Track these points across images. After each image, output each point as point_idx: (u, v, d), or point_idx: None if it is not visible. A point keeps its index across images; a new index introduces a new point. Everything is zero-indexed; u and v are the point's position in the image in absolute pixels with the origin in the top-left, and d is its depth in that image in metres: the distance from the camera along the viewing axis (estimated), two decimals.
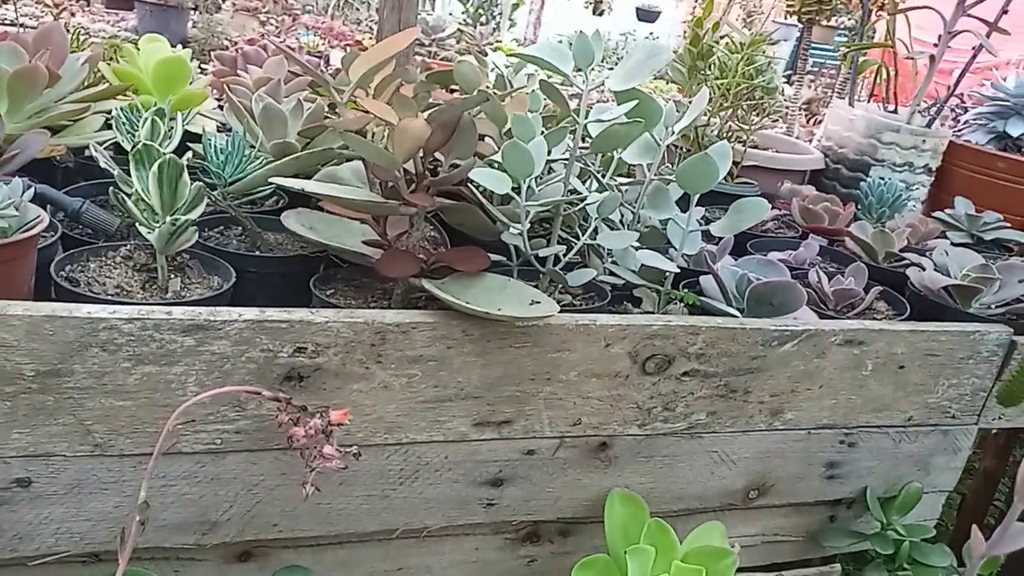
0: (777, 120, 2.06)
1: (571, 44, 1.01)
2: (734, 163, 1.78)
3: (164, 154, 0.90)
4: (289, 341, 0.84)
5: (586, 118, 1.03)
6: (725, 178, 1.75)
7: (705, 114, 1.77)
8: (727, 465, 1.15)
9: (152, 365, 0.81)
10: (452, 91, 1.65)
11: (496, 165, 1.09)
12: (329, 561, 1.02)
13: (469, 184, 1.00)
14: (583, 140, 1.05)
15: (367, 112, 1.12)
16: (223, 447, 0.88)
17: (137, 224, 0.90)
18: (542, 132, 1.06)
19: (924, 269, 1.35)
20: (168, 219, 0.87)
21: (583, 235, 1.08)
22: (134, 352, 0.80)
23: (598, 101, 1.49)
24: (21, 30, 3.66)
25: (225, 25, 5.33)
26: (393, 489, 0.98)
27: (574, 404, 1.01)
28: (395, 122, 0.90)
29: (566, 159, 1.14)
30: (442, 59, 6.43)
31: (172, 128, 1.11)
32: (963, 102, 2.26)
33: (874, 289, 1.26)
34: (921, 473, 1.30)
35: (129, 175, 1.02)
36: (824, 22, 2.98)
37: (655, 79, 7.35)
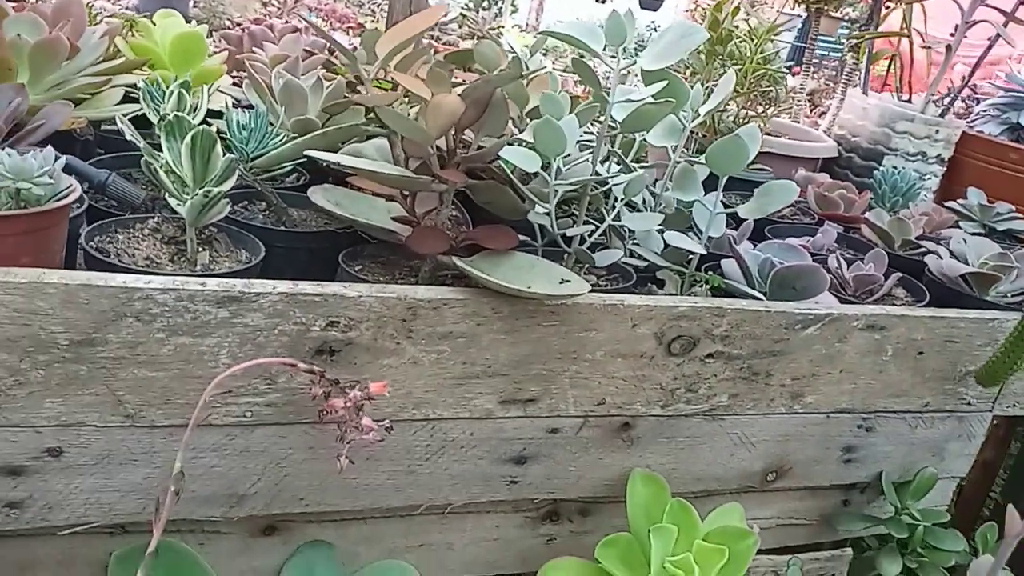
0: (783, 110, 2.05)
1: (602, 25, 1.01)
2: None
3: (196, 126, 0.89)
4: (322, 315, 0.84)
5: (616, 96, 1.02)
6: None
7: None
8: (747, 447, 1.16)
9: (186, 336, 0.81)
10: (469, 70, 1.64)
11: (522, 144, 1.09)
12: (352, 536, 1.03)
13: (498, 162, 0.99)
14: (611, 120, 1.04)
15: (393, 89, 1.11)
16: (253, 420, 0.88)
17: (167, 196, 0.89)
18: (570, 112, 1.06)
19: (942, 257, 1.36)
20: (200, 191, 0.87)
21: (608, 216, 1.08)
22: (168, 323, 0.80)
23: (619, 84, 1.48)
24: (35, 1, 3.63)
25: (227, 5, 5.29)
26: (419, 465, 0.98)
27: (599, 384, 1.01)
28: (428, 97, 0.89)
29: (591, 139, 1.14)
30: (444, 43, 6.39)
31: (198, 102, 1.11)
32: (975, 92, 2.27)
33: (893, 275, 1.26)
34: (936, 459, 1.31)
35: (155, 148, 1.02)
36: (832, 12, 2.98)
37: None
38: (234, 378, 0.84)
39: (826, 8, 2.89)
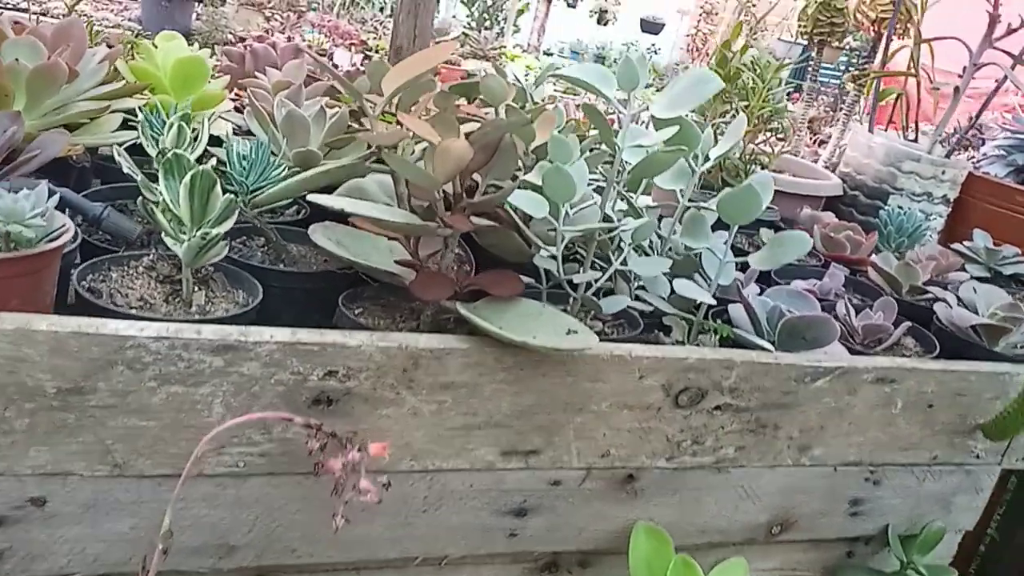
0: (784, 138, 2.04)
1: (613, 65, 0.99)
2: None
3: (195, 164, 0.86)
4: (320, 364, 0.82)
5: (627, 140, 1.00)
6: None
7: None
8: (752, 500, 1.13)
9: (178, 385, 0.78)
10: (475, 102, 1.62)
11: (529, 186, 1.07)
12: None
13: (505, 206, 0.97)
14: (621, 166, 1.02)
15: (399, 123, 1.09)
16: (246, 470, 0.85)
17: (164, 235, 0.86)
18: (579, 156, 1.04)
19: (950, 305, 1.34)
20: (198, 233, 0.84)
21: (614, 260, 1.05)
22: (160, 371, 0.77)
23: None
24: (30, 17, 3.61)
25: (230, 19, 5.29)
26: (416, 516, 0.95)
27: (604, 435, 0.98)
28: (436, 141, 0.87)
29: (601, 181, 1.12)
30: (446, 63, 6.41)
31: (197, 133, 1.08)
32: (981, 133, 2.26)
33: (903, 325, 1.24)
34: (943, 512, 1.28)
35: (152, 180, 0.99)
36: (835, 44, 2.99)
37: (657, 91, 7.33)
38: (227, 428, 0.81)
39: (829, 40, 2.90)
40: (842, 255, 1.56)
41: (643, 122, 1.22)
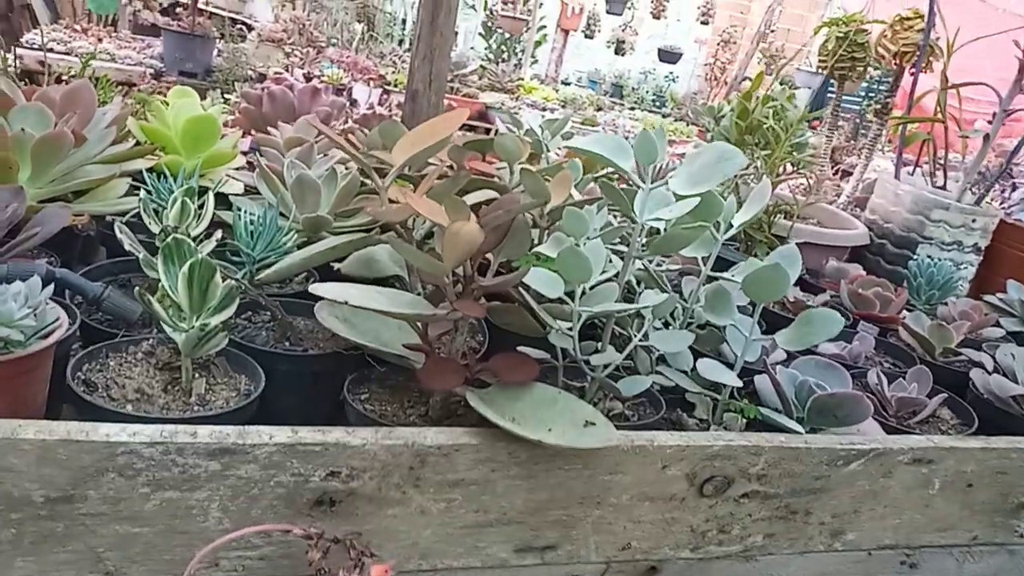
0: (813, 202, 1.98)
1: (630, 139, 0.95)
2: (778, 238, 1.71)
3: (195, 251, 0.83)
4: (322, 465, 0.77)
5: (645, 215, 0.96)
6: (769, 254, 1.68)
7: (747, 183, 1.71)
8: None
9: (173, 491, 0.74)
10: (489, 159, 1.59)
11: (543, 259, 1.02)
12: None
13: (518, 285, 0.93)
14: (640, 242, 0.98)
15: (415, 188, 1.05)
16: (245, 574, 0.80)
17: (163, 324, 0.83)
18: (595, 230, 0.99)
19: (988, 372, 1.28)
20: (197, 324, 0.81)
21: (634, 335, 1.00)
22: (154, 477, 0.73)
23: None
24: (44, 58, 3.66)
25: (250, 55, 5.34)
26: None
27: (624, 528, 0.93)
28: (446, 224, 0.83)
29: (622, 245, 1.07)
30: (464, 95, 6.43)
31: (203, 206, 1.05)
32: (1012, 176, 2.19)
33: (938, 397, 1.18)
34: None
35: (154, 255, 0.96)
36: (856, 80, 2.94)
37: (676, 120, 7.30)
38: (224, 531, 0.77)
39: (850, 75, 2.86)
40: (872, 313, 1.50)
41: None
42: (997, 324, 1.61)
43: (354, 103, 5.14)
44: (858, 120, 6.91)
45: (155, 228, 0.99)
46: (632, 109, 7.33)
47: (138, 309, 0.98)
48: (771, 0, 7.72)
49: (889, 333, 1.49)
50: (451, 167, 1.46)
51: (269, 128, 1.71)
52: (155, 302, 0.81)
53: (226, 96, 3.94)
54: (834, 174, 4.53)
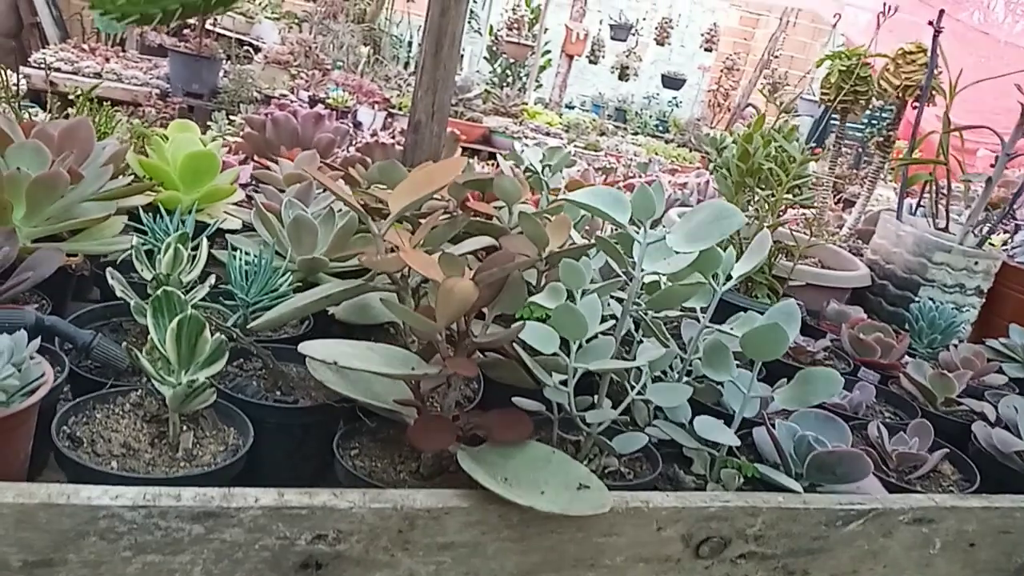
0: (814, 244, 1.95)
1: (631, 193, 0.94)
2: (779, 279, 1.70)
3: (185, 302, 0.82)
4: (308, 528, 0.75)
5: (643, 271, 0.95)
6: (769, 297, 1.67)
7: (749, 224, 1.70)
8: None
9: (155, 554, 0.72)
10: (488, 199, 1.59)
11: (539, 310, 1.01)
12: None
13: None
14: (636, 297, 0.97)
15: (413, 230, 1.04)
16: None
17: (151, 379, 0.82)
18: (592, 281, 0.98)
19: (990, 424, 1.26)
20: (184, 380, 0.79)
21: (630, 388, 0.99)
22: (136, 541, 0.71)
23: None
24: (47, 77, 3.67)
25: (256, 77, 5.37)
26: None
27: None
28: (439, 279, 0.82)
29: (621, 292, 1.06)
30: (468, 119, 6.45)
31: (197, 251, 1.04)
32: (1015, 218, 2.18)
33: (939, 452, 1.16)
34: None
35: (147, 300, 0.95)
36: (859, 112, 2.95)
37: (678, 146, 7.32)
38: None
39: (853, 108, 2.86)
40: (873, 360, 1.49)
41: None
42: (1000, 371, 1.59)
43: (359, 126, 5.16)
44: (860, 149, 6.93)
45: (147, 275, 0.98)
46: (635, 134, 7.35)
47: (127, 357, 0.96)
48: (774, 28, 7.78)
49: (890, 380, 1.47)
50: (451, 210, 1.45)
51: (269, 164, 1.71)
52: (142, 357, 0.79)
53: (231, 117, 3.96)
54: (836, 203, 4.53)
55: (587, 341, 0.98)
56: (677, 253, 0.91)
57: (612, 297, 1.10)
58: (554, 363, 0.96)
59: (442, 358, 0.84)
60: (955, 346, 1.62)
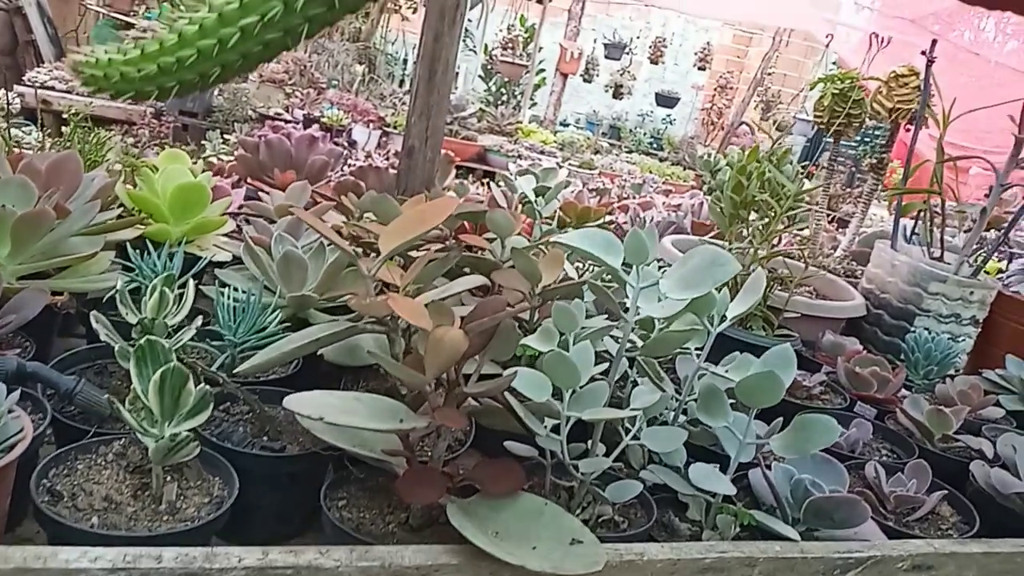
0: (810, 276, 1.94)
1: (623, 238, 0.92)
2: (773, 309, 1.68)
3: (169, 352, 0.80)
4: None
5: (636, 314, 0.93)
6: (764, 329, 1.66)
7: (743, 253, 1.69)
8: None
9: None
10: (481, 232, 1.57)
11: (531, 352, 1.00)
12: None
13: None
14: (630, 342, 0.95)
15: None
16: None
17: (134, 431, 0.80)
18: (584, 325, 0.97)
19: (988, 462, 1.24)
20: (167, 434, 0.77)
21: (626, 426, 0.97)
22: None
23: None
24: (36, 95, 3.66)
25: (251, 95, 5.37)
26: None
27: None
28: (428, 328, 0.80)
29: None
30: (463, 138, 6.45)
31: (183, 295, 1.03)
32: (1009, 247, 2.18)
33: (937, 493, 1.14)
34: None
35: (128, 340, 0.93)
36: (852, 135, 2.96)
37: (672, 164, 7.33)
38: None
39: (847, 131, 2.87)
40: (869, 395, 1.47)
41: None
42: (997, 403, 1.58)
43: (353, 144, 5.15)
44: (853, 167, 6.96)
45: (132, 319, 0.96)
46: (629, 152, 7.37)
47: (111, 402, 0.94)
48: (767, 47, 7.83)
49: (887, 416, 1.45)
50: (444, 240, 1.44)
51: (262, 187, 1.69)
52: (124, 410, 0.78)
53: (226, 136, 3.95)
54: (830, 222, 4.54)
55: (580, 387, 0.96)
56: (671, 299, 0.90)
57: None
58: (547, 409, 0.95)
59: (431, 409, 0.82)
60: (951, 378, 1.61)
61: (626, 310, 0.95)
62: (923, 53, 1.96)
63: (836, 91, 2.83)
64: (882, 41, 2.47)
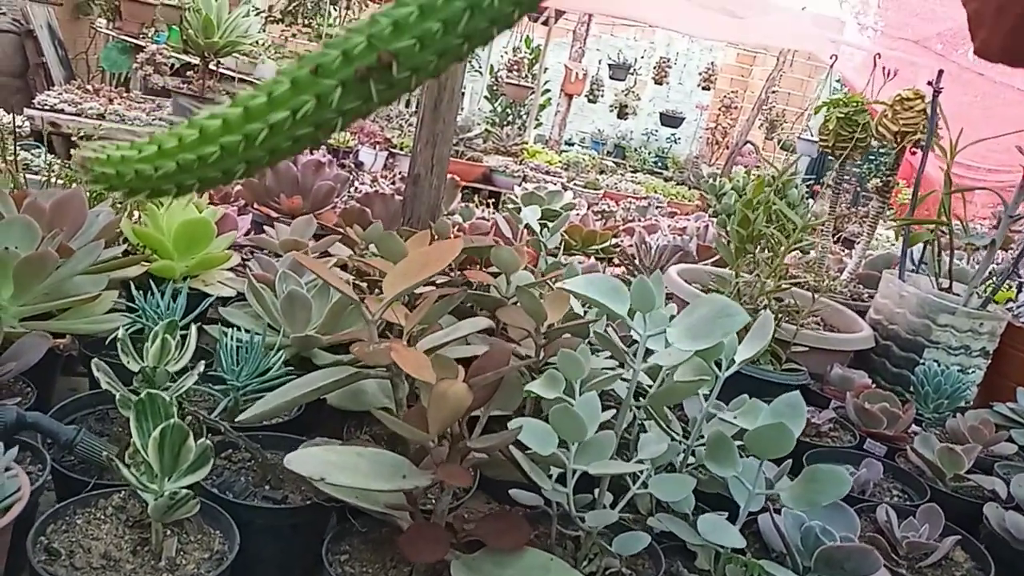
0: (818, 310, 1.91)
1: (629, 284, 0.91)
2: (781, 343, 1.67)
3: (170, 407, 0.79)
4: None
5: (644, 362, 0.92)
6: (772, 363, 1.64)
7: (750, 286, 1.68)
8: None
9: None
10: (485, 267, 1.57)
11: (535, 399, 0.98)
12: None
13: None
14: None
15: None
16: None
17: (134, 487, 0.79)
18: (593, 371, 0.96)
19: (1003, 504, 1.22)
20: (167, 490, 0.76)
21: (631, 482, 0.96)
22: None
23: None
24: (59, 116, 3.68)
25: None
26: None
27: None
28: (432, 381, 0.79)
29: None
30: (469, 158, 6.47)
31: (186, 340, 1.02)
32: (1020, 276, 2.16)
33: (950, 539, 1.12)
34: None
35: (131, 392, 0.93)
36: (858, 157, 2.95)
37: (677, 184, 7.33)
38: None
39: (852, 154, 2.87)
40: (879, 432, 1.45)
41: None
42: (1009, 439, 1.56)
43: (360, 165, 5.17)
44: (859, 187, 6.95)
45: (134, 367, 0.95)
46: (634, 172, 7.38)
47: (112, 451, 0.93)
48: (772, 65, 7.84)
49: (897, 453, 1.43)
50: (450, 274, 1.43)
51: (266, 227, 1.69)
52: (123, 466, 0.77)
53: None
54: (836, 242, 4.53)
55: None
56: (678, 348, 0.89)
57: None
58: (553, 460, 0.93)
59: (434, 463, 0.81)
60: (962, 412, 1.59)
61: (633, 357, 0.94)
62: (929, 83, 1.95)
63: (841, 115, 2.84)
64: (887, 72, 2.47)
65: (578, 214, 3.33)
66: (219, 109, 0.34)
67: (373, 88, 0.31)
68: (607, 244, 3.07)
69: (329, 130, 0.33)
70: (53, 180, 1.78)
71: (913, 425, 1.53)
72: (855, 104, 2.80)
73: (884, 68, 2.48)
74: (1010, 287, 2.17)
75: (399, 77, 0.31)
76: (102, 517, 0.84)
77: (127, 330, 1.02)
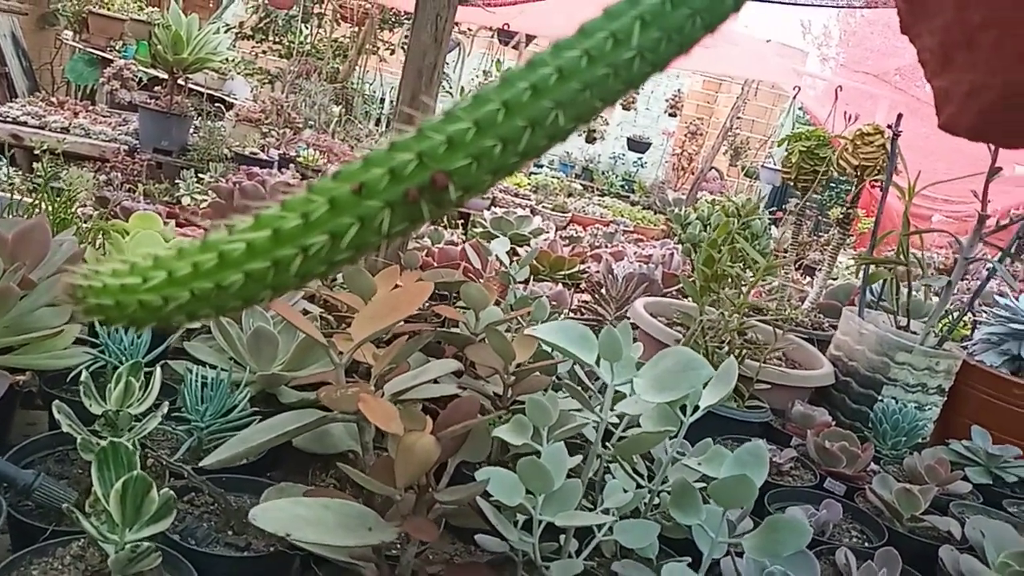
0: (778, 347, 1.95)
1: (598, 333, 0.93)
2: (744, 379, 1.70)
3: (133, 456, 0.78)
4: None
5: (611, 410, 0.93)
6: (735, 400, 1.67)
7: (714, 324, 1.71)
8: None
9: None
10: (454, 303, 1.57)
11: (502, 447, 0.99)
12: None
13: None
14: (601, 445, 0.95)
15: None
16: None
17: (94, 537, 0.77)
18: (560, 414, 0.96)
19: (957, 545, 1.25)
20: (128, 541, 0.75)
21: (596, 530, 0.96)
22: None
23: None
24: (22, 128, 3.61)
25: (227, 134, 5.34)
26: None
27: None
28: (399, 433, 0.80)
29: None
30: None
31: (151, 379, 1.01)
32: (973, 315, 2.23)
33: None
34: None
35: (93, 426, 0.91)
36: (820, 190, 3.03)
37: (643, 208, 7.41)
38: None
39: (813, 186, 2.94)
40: (838, 471, 1.48)
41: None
42: (965, 479, 1.60)
43: None
44: (819, 215, 7.10)
45: (96, 409, 0.94)
46: (602, 195, 7.45)
47: (71, 497, 0.92)
48: (737, 93, 8.01)
49: (856, 493, 1.46)
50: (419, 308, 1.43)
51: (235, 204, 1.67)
52: (82, 517, 0.75)
53: (200, 175, 3.92)
54: (797, 269, 4.62)
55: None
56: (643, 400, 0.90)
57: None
58: (520, 508, 0.94)
59: (401, 517, 0.80)
60: (919, 451, 1.63)
61: (600, 407, 0.95)
62: (889, 127, 2.01)
63: (804, 148, 2.92)
64: (848, 117, 2.55)
65: (547, 239, 3.36)
66: (240, 231, 0.32)
67: (424, 209, 0.30)
68: (575, 270, 3.10)
69: (367, 254, 0.32)
70: (15, 195, 1.74)
71: (872, 464, 1.57)
72: (818, 139, 2.88)
73: (845, 113, 2.55)
74: (965, 324, 2.23)
75: (452, 197, 0.30)
76: (59, 567, 0.82)
77: (89, 369, 1.00)
